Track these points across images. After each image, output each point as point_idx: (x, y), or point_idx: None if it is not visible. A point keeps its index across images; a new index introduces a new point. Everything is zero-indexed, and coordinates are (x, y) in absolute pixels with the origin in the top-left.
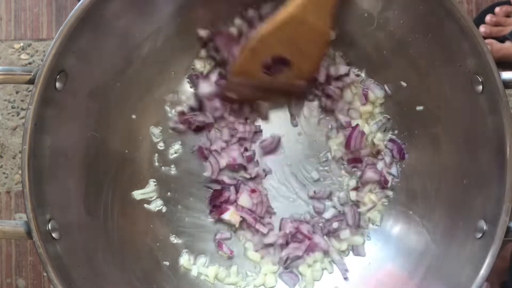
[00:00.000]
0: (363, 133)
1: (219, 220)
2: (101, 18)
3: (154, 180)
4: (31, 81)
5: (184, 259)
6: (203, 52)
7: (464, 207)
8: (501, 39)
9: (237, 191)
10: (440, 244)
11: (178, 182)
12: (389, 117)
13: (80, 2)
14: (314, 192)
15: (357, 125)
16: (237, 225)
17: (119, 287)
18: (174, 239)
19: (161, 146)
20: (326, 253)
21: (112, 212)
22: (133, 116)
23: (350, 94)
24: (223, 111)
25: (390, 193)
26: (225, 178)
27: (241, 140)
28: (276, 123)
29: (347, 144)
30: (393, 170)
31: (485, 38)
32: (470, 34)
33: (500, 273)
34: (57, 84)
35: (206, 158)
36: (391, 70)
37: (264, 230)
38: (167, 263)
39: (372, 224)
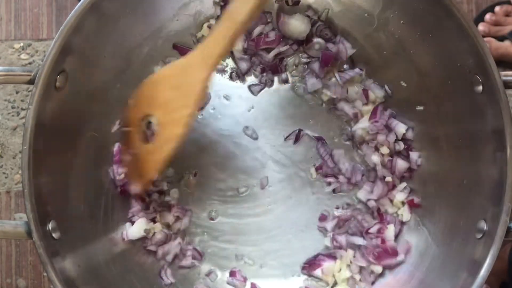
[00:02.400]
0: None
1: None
2: (101, 18)
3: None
4: (31, 81)
5: (158, 235)
6: None
7: (464, 207)
8: (500, 39)
9: None
10: (440, 244)
11: (177, 180)
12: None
13: (80, 2)
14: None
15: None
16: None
17: (119, 287)
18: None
19: None
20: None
21: (113, 212)
22: None
23: (353, 92)
24: None
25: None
26: None
27: None
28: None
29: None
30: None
31: (484, 36)
32: (470, 34)
33: (498, 274)
34: (57, 84)
35: None
36: (391, 70)
37: None
38: (167, 262)
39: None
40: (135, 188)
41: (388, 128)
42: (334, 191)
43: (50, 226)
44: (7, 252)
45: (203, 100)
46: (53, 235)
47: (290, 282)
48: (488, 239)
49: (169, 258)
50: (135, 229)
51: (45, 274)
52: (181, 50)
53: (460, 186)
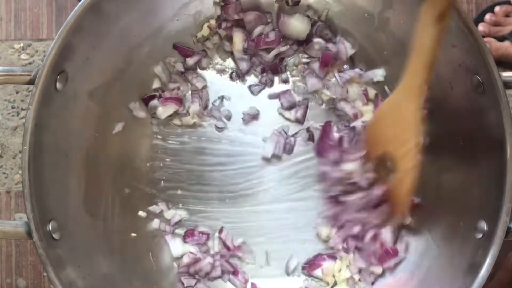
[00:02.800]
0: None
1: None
2: (101, 18)
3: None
4: (31, 82)
5: (186, 259)
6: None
7: (464, 207)
8: (500, 39)
9: None
10: (440, 244)
11: (179, 180)
12: None
13: (81, 2)
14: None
15: (377, 94)
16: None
17: (119, 287)
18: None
19: (161, 144)
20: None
21: (112, 212)
22: (134, 116)
23: (353, 93)
24: None
25: None
26: None
27: None
28: None
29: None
30: None
31: (484, 37)
32: (470, 34)
33: (504, 284)
34: (58, 84)
35: None
36: (391, 70)
37: None
38: (167, 263)
39: None
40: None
41: None
42: None
43: (50, 226)
44: (7, 252)
45: (422, 128)
46: (53, 235)
47: (290, 282)
48: (488, 239)
49: (202, 274)
50: (180, 249)
51: (45, 274)
52: (181, 50)
53: (460, 186)
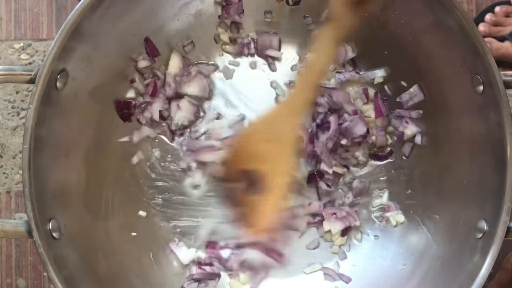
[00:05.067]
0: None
1: None
2: (102, 18)
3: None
4: (31, 81)
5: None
6: None
7: (464, 207)
8: (501, 39)
9: None
10: (440, 244)
11: (179, 180)
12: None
13: (81, 2)
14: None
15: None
16: None
17: (119, 287)
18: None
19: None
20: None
21: (113, 212)
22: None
23: (353, 92)
24: None
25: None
26: None
27: None
28: None
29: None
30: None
31: (484, 37)
32: (470, 34)
33: (504, 285)
34: (58, 84)
35: None
36: (391, 70)
37: None
38: (168, 262)
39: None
40: (249, 236)
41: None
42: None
43: (50, 225)
44: (7, 252)
45: (299, 147)
46: (54, 234)
47: (290, 282)
48: (488, 239)
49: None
50: (188, 255)
51: (45, 274)
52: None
53: (460, 186)
